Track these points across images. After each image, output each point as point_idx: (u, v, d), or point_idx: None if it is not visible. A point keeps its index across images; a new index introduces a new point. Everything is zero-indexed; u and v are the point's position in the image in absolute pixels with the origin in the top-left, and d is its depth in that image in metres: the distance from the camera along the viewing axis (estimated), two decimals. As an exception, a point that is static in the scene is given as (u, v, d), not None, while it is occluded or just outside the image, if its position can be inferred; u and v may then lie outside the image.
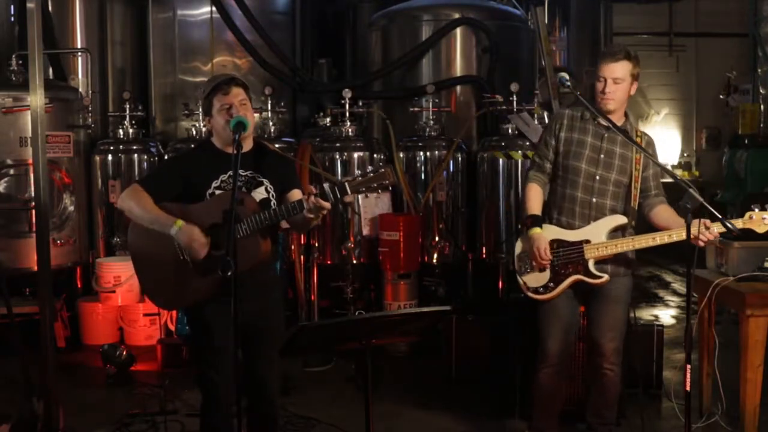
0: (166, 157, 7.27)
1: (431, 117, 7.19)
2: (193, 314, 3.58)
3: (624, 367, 4.43)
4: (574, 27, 9.90)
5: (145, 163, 7.30)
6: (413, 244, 6.64)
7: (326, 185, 3.19)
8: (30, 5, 4.35)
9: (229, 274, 2.95)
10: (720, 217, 3.65)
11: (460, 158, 7.09)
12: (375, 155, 7.05)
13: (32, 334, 4.48)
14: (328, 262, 6.97)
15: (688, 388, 3.46)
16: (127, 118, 7.34)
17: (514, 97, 6.94)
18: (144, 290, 3.75)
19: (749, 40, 11.59)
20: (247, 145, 3.52)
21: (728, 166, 10.24)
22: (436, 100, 7.27)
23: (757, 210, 3.77)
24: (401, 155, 7.08)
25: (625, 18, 12.20)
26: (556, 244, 3.99)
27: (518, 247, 4.12)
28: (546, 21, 8.40)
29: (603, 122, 3.98)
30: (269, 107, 7.30)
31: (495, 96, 7.21)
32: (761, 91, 10.35)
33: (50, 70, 7.42)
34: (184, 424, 4.77)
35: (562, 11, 9.75)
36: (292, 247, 6.88)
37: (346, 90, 7.14)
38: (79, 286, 7.21)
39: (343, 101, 7.12)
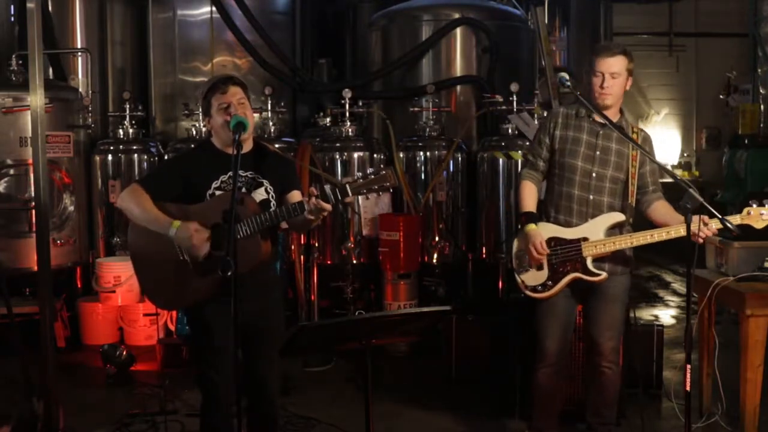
0: (166, 157, 7.27)
1: (431, 117, 7.19)
2: (193, 314, 3.58)
3: (624, 367, 4.44)
4: (574, 27, 9.89)
5: (145, 163, 7.30)
6: (413, 244, 6.64)
7: (327, 187, 3.19)
8: (30, 5, 4.35)
9: (229, 274, 2.96)
10: (720, 216, 3.64)
11: (460, 158, 7.09)
12: (375, 155, 7.06)
13: (32, 334, 4.48)
14: (328, 262, 6.98)
15: (688, 388, 3.46)
16: (127, 118, 7.33)
17: (514, 97, 6.94)
18: (144, 290, 3.75)
19: (749, 40, 11.59)
20: (247, 146, 3.52)
21: (728, 166, 10.24)
22: (436, 100, 7.27)
23: (755, 205, 3.75)
24: (401, 155, 7.08)
25: (625, 18, 12.20)
26: (554, 242, 3.98)
27: (515, 245, 4.12)
28: (546, 21, 8.40)
29: (598, 119, 3.98)
30: (269, 107, 7.30)
31: (495, 96, 7.21)
32: (761, 91, 10.35)
33: (50, 70, 7.42)
34: (184, 424, 4.77)
35: (562, 11, 9.75)
36: (292, 247, 6.88)
37: (346, 90, 7.14)
38: (79, 286, 7.21)
39: (343, 101, 7.12)
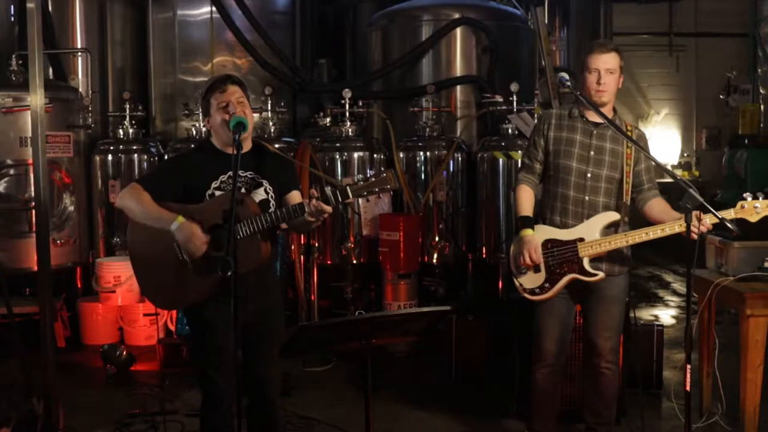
0: (166, 157, 7.27)
1: (431, 117, 7.20)
2: (194, 314, 3.57)
3: (624, 367, 4.44)
4: (574, 27, 9.90)
5: (145, 163, 7.30)
6: (413, 244, 6.64)
7: (328, 189, 3.20)
8: (30, 5, 4.35)
9: (229, 274, 2.95)
10: (720, 217, 3.63)
11: (460, 158, 7.10)
12: (375, 155, 7.06)
13: (32, 334, 4.49)
14: (328, 262, 6.98)
15: (688, 388, 3.46)
16: (127, 118, 7.34)
17: (514, 97, 6.95)
18: (143, 290, 3.75)
19: (749, 40, 11.59)
20: (247, 146, 3.52)
21: (728, 166, 10.24)
22: (436, 100, 7.27)
23: (749, 198, 3.73)
24: (401, 155, 7.08)
25: (625, 18, 12.20)
26: (550, 244, 3.98)
27: (512, 249, 4.13)
28: (546, 21, 8.40)
29: (591, 119, 3.99)
30: (269, 107, 7.30)
31: (495, 96, 7.21)
32: (761, 91, 10.35)
33: (50, 70, 7.42)
34: (184, 424, 4.77)
35: (562, 11, 9.76)
36: (292, 247, 6.88)
37: (346, 90, 7.15)
38: (79, 286, 7.22)
39: (343, 101, 7.12)
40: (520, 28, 8.05)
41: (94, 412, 5.05)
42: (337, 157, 7.00)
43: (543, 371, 4.13)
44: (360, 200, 6.53)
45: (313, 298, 6.90)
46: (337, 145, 7.04)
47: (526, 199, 4.09)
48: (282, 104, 7.48)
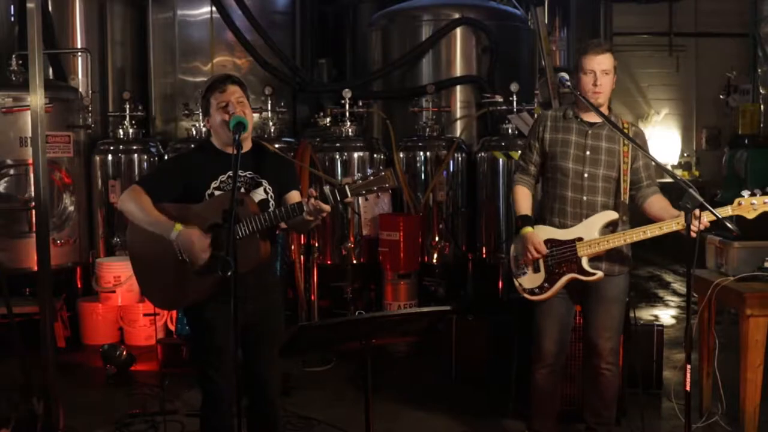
0: (165, 157, 7.27)
1: (431, 117, 7.20)
2: (194, 314, 3.57)
3: (624, 367, 4.44)
4: (574, 27, 9.91)
5: (145, 163, 7.30)
6: (413, 244, 6.64)
7: (326, 188, 3.19)
8: (30, 5, 4.35)
9: (229, 274, 2.95)
10: (718, 215, 3.63)
11: (460, 158, 7.10)
12: (375, 155, 7.06)
13: (32, 334, 4.49)
14: (328, 262, 6.98)
15: (688, 388, 3.46)
16: (127, 118, 7.34)
17: (514, 97, 6.95)
18: (143, 290, 3.75)
19: (749, 40, 11.59)
20: (246, 146, 3.51)
21: (728, 166, 10.24)
22: (436, 100, 7.27)
23: (746, 195, 3.72)
24: (401, 155, 7.08)
25: (625, 18, 12.20)
26: (550, 244, 3.99)
27: (512, 249, 4.14)
28: (546, 21, 8.41)
29: (586, 119, 3.99)
30: (269, 107, 7.30)
31: (495, 96, 7.21)
32: (761, 91, 10.35)
33: (50, 70, 7.42)
34: (184, 424, 4.77)
35: (562, 11, 9.76)
36: (292, 247, 6.88)
37: (346, 90, 7.15)
38: (79, 286, 7.21)
39: (343, 101, 7.12)
40: (520, 28, 8.05)
41: (94, 412, 5.05)
42: (337, 157, 7.00)
43: (543, 371, 4.13)
44: (360, 200, 6.57)
45: (313, 298, 6.90)
46: (337, 145, 7.04)
47: (524, 199, 4.11)
48: (282, 104, 7.48)
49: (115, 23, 8.01)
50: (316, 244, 6.96)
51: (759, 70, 10.57)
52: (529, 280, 4.04)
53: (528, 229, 4.01)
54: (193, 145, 6.16)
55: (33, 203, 5.78)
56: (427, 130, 7.15)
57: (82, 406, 5.10)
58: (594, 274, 3.94)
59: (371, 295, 7.08)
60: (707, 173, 12.83)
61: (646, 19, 13.08)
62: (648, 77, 13.19)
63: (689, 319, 3.48)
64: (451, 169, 7.03)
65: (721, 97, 12.32)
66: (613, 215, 3.96)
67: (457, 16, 7.65)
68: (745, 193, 3.71)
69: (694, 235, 3.59)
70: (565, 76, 3.97)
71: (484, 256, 7.00)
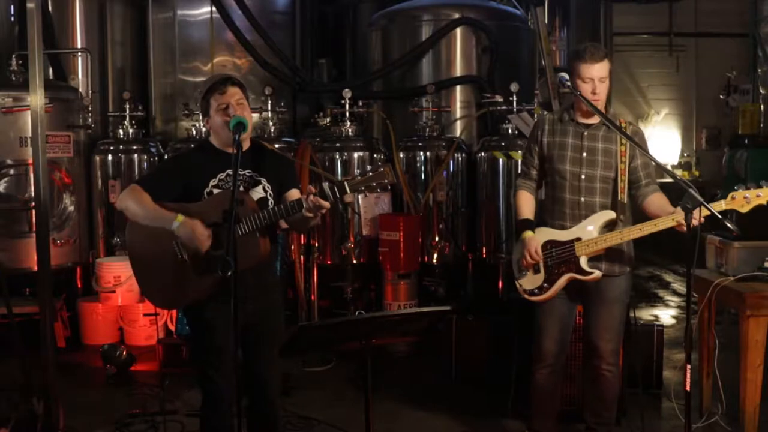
0: (165, 157, 7.27)
1: (431, 117, 7.20)
2: (194, 314, 3.57)
3: (624, 367, 4.44)
4: (574, 27, 9.90)
5: (145, 163, 7.31)
6: (413, 244, 6.64)
7: (325, 185, 3.19)
8: (30, 5, 4.35)
9: (229, 274, 2.95)
10: (713, 212, 3.63)
11: (460, 158, 7.10)
12: (375, 155, 7.06)
13: (32, 334, 4.49)
14: (328, 262, 6.98)
15: (688, 388, 3.46)
16: (127, 118, 7.34)
17: (514, 97, 6.95)
18: (143, 290, 3.75)
19: (749, 40, 11.59)
20: (245, 145, 3.51)
21: (728, 166, 10.23)
22: (436, 100, 7.27)
23: (740, 189, 3.72)
24: (401, 155, 7.08)
25: (625, 18, 12.19)
26: (550, 245, 4.01)
27: (514, 252, 4.17)
28: (546, 21, 8.40)
29: (582, 121, 4.00)
30: (269, 107, 7.30)
31: (495, 96, 7.21)
32: (761, 91, 10.34)
33: (50, 70, 7.42)
34: (184, 424, 4.77)
35: (562, 11, 9.76)
36: (292, 247, 6.88)
37: (346, 90, 7.15)
38: (79, 286, 7.22)
39: (343, 101, 7.12)
40: (520, 28, 8.05)
41: (94, 412, 5.05)
42: (337, 157, 7.00)
43: (543, 371, 4.14)
44: (360, 200, 6.56)
45: (313, 298, 6.90)
46: (337, 145, 7.04)
47: (525, 203, 4.14)
48: (282, 104, 7.48)
49: (115, 23, 8.02)
50: (316, 244, 6.96)
51: (759, 70, 10.57)
52: (529, 280, 4.06)
53: (528, 233, 4.03)
54: (192, 145, 6.16)
55: (33, 203, 5.78)
56: (427, 130, 7.15)
57: (82, 406, 5.10)
58: (591, 273, 3.95)
59: (371, 295, 7.08)
60: (707, 173, 12.82)
61: (646, 19, 13.07)
62: (648, 77, 13.18)
63: (689, 319, 3.48)
64: (451, 169, 7.03)
65: (721, 97, 12.31)
66: (611, 215, 3.97)
67: (457, 16, 7.65)
68: (739, 187, 3.71)
69: (684, 229, 3.58)
70: (565, 76, 3.98)
71: (484, 256, 7.00)
